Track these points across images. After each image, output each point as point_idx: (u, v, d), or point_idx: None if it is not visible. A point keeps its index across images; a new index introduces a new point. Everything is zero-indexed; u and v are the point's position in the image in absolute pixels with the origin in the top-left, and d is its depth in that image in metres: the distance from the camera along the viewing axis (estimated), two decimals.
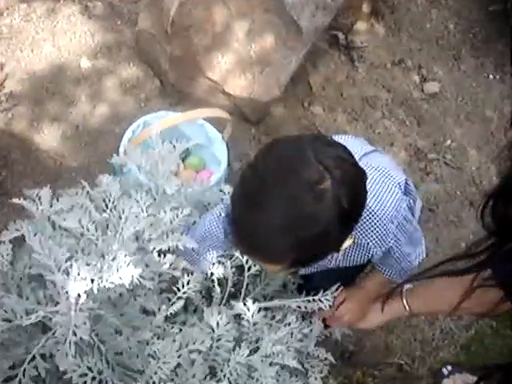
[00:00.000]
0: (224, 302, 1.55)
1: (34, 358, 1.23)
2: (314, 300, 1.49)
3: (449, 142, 2.74)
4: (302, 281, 1.66)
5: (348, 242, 1.22)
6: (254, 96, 2.33)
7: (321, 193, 1.07)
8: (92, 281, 1.16)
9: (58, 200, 1.51)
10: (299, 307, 1.50)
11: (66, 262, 1.19)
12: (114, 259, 1.30)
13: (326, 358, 1.58)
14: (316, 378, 1.57)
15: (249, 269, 1.50)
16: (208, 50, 2.25)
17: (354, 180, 1.13)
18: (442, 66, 2.97)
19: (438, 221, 2.49)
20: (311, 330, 1.54)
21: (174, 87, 2.43)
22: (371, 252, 1.39)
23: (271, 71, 2.29)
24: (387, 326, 2.14)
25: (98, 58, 2.54)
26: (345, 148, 1.17)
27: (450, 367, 2.05)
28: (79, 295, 1.16)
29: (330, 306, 1.48)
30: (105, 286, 1.15)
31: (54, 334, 1.19)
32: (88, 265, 1.17)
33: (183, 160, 2.23)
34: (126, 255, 1.33)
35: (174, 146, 1.75)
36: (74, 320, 1.15)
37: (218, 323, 1.35)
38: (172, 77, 2.38)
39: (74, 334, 1.13)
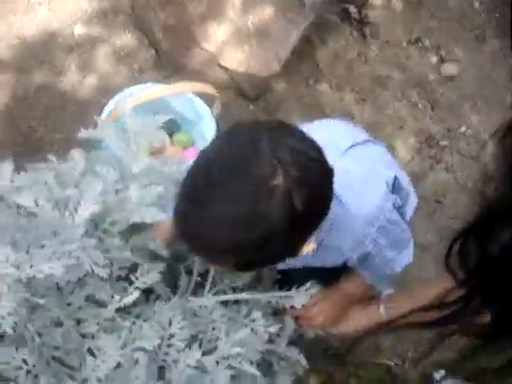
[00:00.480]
0: (190, 292, 1.43)
1: None
2: (285, 296, 1.36)
3: (464, 128, 2.55)
4: (280, 275, 1.53)
5: (308, 248, 1.08)
6: (252, 71, 2.18)
7: (270, 190, 0.93)
8: (23, 269, 1.05)
9: (18, 173, 1.43)
10: (270, 302, 1.37)
11: None
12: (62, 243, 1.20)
13: (297, 360, 1.45)
14: (286, 382, 1.44)
15: None
16: (203, 19, 2.11)
17: (315, 179, 0.97)
18: (462, 46, 2.77)
19: (444, 213, 2.32)
20: (282, 329, 1.42)
21: (169, 58, 2.29)
22: (345, 256, 1.24)
23: (270, 44, 2.13)
24: None
25: (93, 25, 2.42)
26: (312, 141, 1.01)
27: (443, 372, 1.90)
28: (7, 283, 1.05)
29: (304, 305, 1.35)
30: (34, 276, 1.04)
31: None
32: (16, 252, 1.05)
33: (171, 136, 2.10)
34: (77, 240, 1.23)
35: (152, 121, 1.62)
36: (1, 310, 1.04)
37: (170, 320, 1.22)
38: (166, 47, 2.25)
39: None
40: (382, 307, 1.34)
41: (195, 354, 1.19)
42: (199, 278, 1.40)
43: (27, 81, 2.24)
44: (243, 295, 1.36)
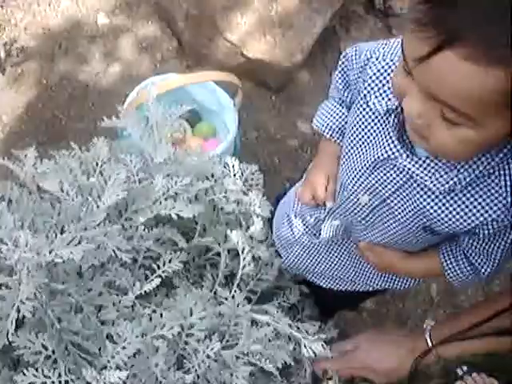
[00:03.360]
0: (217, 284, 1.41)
1: None
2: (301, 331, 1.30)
3: None
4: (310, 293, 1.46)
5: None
6: (275, 61, 2.16)
7: None
8: (42, 254, 1.05)
9: (41, 162, 1.43)
10: (290, 325, 1.33)
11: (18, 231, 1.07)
12: (85, 229, 1.20)
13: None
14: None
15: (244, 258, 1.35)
16: (226, 8, 2.09)
17: None
18: None
19: None
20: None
21: (192, 48, 2.28)
22: (480, 220, 0.92)
23: (294, 34, 2.11)
24: (401, 318, 1.97)
25: (117, 15, 2.41)
26: None
27: (465, 367, 1.86)
28: (27, 268, 1.04)
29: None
30: (53, 260, 1.03)
31: None
32: (36, 236, 1.04)
33: (192, 126, 2.09)
34: (94, 227, 1.23)
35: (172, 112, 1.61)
36: (21, 295, 1.04)
37: (191, 309, 1.21)
38: (188, 37, 2.23)
39: (18, 310, 1.02)
40: (428, 338, 1.31)
41: (215, 346, 1.18)
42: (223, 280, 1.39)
43: (51, 69, 2.25)
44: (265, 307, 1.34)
